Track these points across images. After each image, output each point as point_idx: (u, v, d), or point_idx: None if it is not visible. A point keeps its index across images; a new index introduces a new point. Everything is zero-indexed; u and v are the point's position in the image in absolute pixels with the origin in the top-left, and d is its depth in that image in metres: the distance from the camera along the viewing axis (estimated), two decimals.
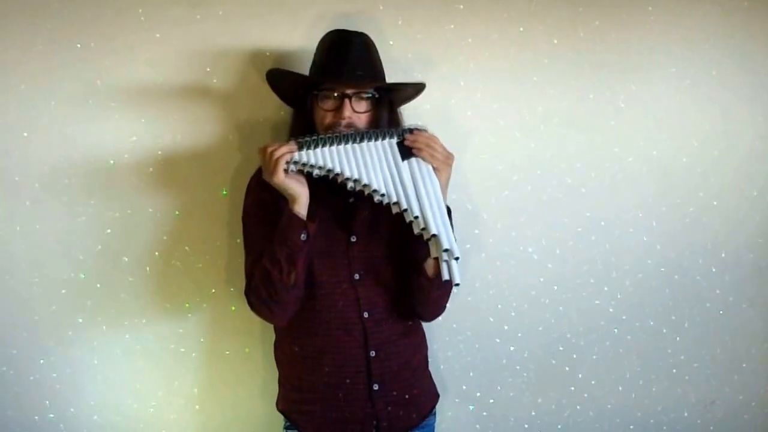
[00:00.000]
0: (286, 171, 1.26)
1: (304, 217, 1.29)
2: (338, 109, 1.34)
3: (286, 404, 1.50)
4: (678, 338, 1.84)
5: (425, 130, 1.32)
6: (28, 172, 1.58)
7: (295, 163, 1.27)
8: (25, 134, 1.57)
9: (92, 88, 1.58)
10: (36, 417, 1.67)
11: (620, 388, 1.84)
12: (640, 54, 1.73)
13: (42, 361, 1.65)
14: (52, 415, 1.67)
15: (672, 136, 1.77)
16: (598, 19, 1.71)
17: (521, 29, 1.69)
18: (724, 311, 1.86)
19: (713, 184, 1.80)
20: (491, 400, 1.80)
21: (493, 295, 1.76)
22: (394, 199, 1.24)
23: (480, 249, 1.74)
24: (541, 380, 1.81)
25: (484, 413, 1.80)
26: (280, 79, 1.44)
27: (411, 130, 1.31)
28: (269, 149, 1.27)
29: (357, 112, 1.34)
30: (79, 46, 1.56)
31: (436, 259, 1.23)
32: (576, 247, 1.77)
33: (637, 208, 1.78)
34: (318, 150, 1.27)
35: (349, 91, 1.34)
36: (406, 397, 1.44)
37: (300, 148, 1.27)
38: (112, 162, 1.60)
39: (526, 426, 1.82)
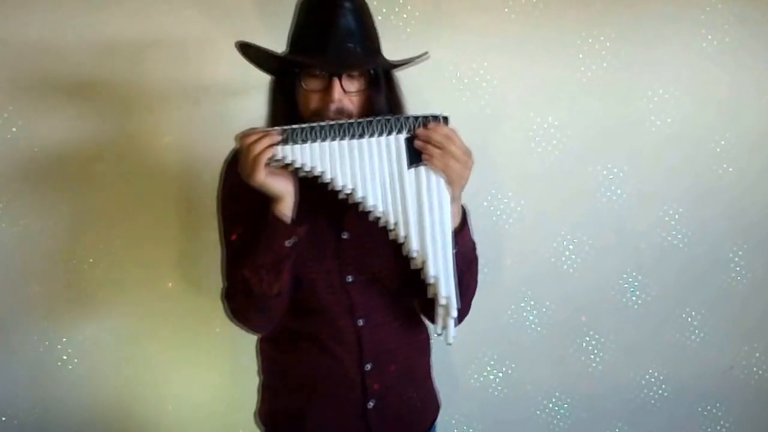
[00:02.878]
0: (268, 164, 1.03)
1: (290, 220, 1.08)
2: (326, 90, 1.09)
3: (269, 418, 1.31)
4: (697, 305, 1.85)
5: (445, 118, 1.06)
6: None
7: (277, 160, 1.04)
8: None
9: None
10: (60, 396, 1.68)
11: (637, 353, 1.85)
12: (654, 25, 1.72)
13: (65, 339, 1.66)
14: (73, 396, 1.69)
15: (688, 106, 1.76)
16: None
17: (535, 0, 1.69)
18: (743, 279, 1.86)
19: (730, 154, 1.80)
20: (509, 371, 1.81)
21: (513, 266, 1.77)
22: (392, 224, 1.04)
23: (503, 223, 1.75)
24: (561, 340, 1.82)
25: (502, 383, 1.82)
26: (253, 54, 1.18)
27: (426, 121, 1.05)
28: (247, 142, 1.03)
29: (349, 92, 1.10)
30: None
31: (434, 300, 1.05)
32: (597, 219, 1.78)
33: (657, 179, 1.78)
34: (307, 146, 1.03)
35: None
36: (405, 414, 1.27)
37: (285, 141, 1.03)
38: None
39: (545, 388, 1.85)
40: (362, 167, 1.04)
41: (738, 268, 1.85)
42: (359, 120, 1.05)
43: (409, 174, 1.04)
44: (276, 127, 1.04)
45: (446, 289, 1.03)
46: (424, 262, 1.03)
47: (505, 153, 1.72)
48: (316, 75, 1.10)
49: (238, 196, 1.15)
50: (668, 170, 1.79)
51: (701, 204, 1.81)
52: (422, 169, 1.04)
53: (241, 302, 1.13)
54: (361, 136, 1.04)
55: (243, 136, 1.04)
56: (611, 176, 1.77)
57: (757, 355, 1.90)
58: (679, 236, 1.81)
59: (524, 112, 1.72)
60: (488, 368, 1.80)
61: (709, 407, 1.89)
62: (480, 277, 1.72)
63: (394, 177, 1.04)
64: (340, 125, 1.04)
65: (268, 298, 1.10)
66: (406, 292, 1.20)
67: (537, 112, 1.72)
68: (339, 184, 1.03)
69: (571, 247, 1.78)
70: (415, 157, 1.04)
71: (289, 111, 1.11)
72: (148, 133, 1.60)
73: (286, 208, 1.07)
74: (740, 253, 1.85)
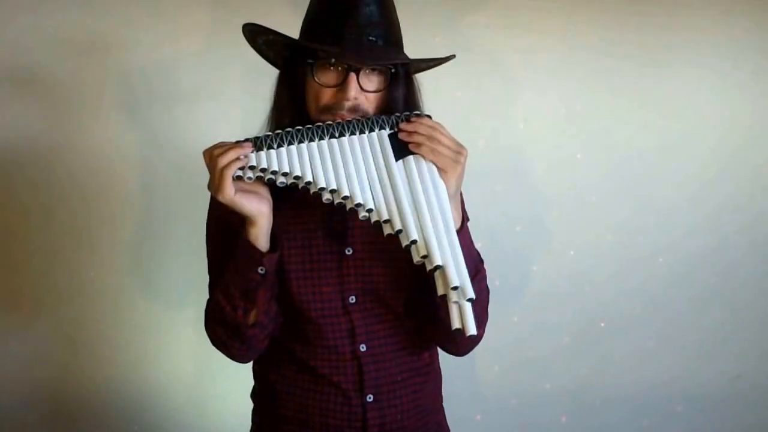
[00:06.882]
0: (241, 178, 0.94)
1: (263, 246, 0.98)
2: (341, 86, 0.99)
3: None
4: (709, 318, 1.96)
5: (427, 116, 1.00)
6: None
7: (252, 168, 0.94)
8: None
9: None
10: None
11: (647, 360, 1.96)
12: (681, 57, 1.85)
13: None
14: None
15: (711, 133, 1.89)
16: (635, 12, 1.82)
17: (569, 19, 1.81)
18: (754, 295, 1.97)
19: (749, 177, 1.92)
20: (525, 368, 1.93)
21: (538, 274, 1.89)
22: (386, 216, 0.92)
23: (530, 234, 1.87)
24: (581, 345, 1.94)
25: (518, 378, 1.93)
26: (260, 38, 1.07)
27: (408, 117, 0.99)
28: (214, 154, 0.93)
29: (366, 90, 1.00)
30: None
31: (444, 296, 0.89)
32: (619, 234, 1.90)
33: (678, 199, 1.90)
34: (282, 150, 0.95)
35: None
36: None
37: (257, 149, 0.95)
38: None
39: (559, 390, 1.96)
40: (345, 165, 0.95)
41: (750, 284, 1.96)
42: (337, 121, 0.98)
43: (398, 166, 0.95)
44: (244, 139, 0.96)
45: (457, 275, 0.89)
46: (427, 250, 0.89)
47: (537, 170, 1.86)
48: (331, 68, 1.00)
49: (221, 223, 1.07)
50: (689, 191, 1.91)
51: (717, 223, 1.93)
52: (411, 159, 0.96)
53: (218, 331, 1.06)
54: (341, 135, 0.97)
55: (209, 149, 0.96)
56: (635, 195, 1.89)
57: (764, 364, 2.00)
58: (696, 253, 1.93)
59: (557, 135, 1.86)
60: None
61: (717, 411, 2.00)
62: (507, 284, 1.84)
63: (381, 171, 0.95)
64: (318, 127, 0.97)
65: (244, 328, 1.02)
66: (413, 318, 1.10)
67: (569, 136, 1.85)
68: (320, 184, 0.93)
69: (593, 258, 1.90)
70: (402, 151, 0.96)
71: (295, 106, 1.01)
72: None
73: (260, 232, 0.97)
74: (753, 268, 1.95)
